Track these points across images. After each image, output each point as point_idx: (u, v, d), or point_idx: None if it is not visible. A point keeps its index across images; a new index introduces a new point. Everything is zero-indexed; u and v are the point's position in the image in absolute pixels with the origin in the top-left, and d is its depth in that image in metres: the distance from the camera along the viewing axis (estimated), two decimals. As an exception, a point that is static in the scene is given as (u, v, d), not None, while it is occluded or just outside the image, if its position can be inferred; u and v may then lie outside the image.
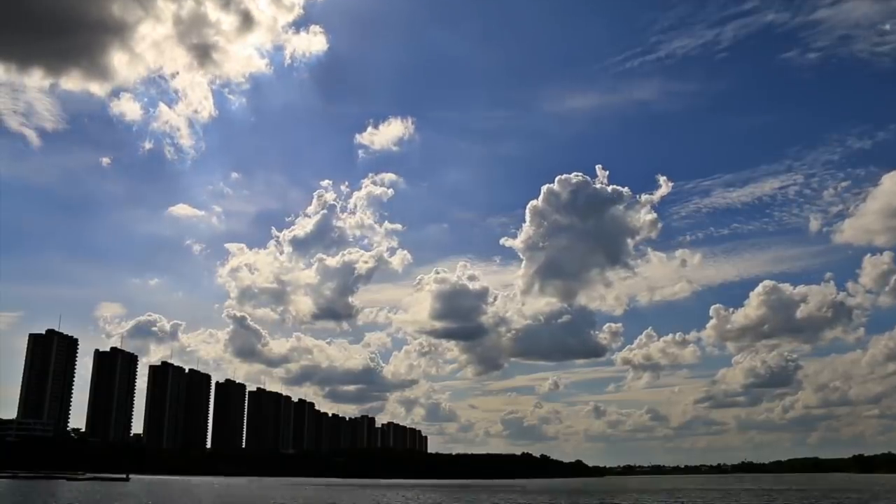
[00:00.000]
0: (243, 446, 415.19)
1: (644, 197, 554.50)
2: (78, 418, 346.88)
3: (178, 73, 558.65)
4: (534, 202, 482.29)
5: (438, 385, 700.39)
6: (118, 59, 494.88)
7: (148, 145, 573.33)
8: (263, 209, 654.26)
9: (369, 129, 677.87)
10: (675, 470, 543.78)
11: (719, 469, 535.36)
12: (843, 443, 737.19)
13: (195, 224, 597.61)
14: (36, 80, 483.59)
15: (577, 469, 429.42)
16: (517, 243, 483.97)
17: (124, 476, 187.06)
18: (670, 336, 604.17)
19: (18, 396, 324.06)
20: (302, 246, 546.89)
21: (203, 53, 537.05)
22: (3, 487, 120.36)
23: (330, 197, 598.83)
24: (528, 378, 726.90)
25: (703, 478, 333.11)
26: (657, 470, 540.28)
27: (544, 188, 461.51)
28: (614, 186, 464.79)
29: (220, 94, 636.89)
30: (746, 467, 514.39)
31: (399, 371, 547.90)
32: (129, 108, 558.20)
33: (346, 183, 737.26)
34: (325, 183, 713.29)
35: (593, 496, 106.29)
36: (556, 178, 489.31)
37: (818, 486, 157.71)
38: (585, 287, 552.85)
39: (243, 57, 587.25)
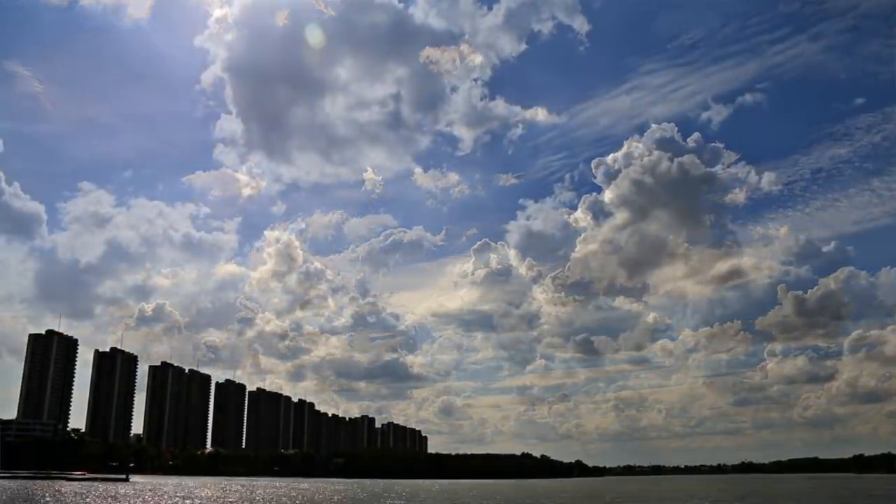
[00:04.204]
0: (243, 446, 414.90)
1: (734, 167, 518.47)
2: (78, 418, 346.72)
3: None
4: (603, 159, 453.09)
5: (460, 382, 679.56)
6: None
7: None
8: (288, 180, 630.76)
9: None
10: (675, 470, 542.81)
11: (719, 469, 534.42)
12: (853, 442, 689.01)
13: (210, 201, 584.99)
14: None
15: (578, 469, 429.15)
16: (573, 220, 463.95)
17: (124, 476, 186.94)
18: (729, 324, 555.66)
19: (18, 396, 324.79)
20: (325, 232, 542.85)
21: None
22: (3, 487, 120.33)
23: (370, 176, 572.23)
24: (554, 374, 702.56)
25: (719, 478, 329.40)
26: (657, 470, 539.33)
27: (625, 144, 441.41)
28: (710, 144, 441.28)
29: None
30: (746, 467, 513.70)
31: (422, 364, 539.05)
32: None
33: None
34: (374, 165, 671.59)
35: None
36: (646, 132, 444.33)
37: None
38: (644, 270, 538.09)
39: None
